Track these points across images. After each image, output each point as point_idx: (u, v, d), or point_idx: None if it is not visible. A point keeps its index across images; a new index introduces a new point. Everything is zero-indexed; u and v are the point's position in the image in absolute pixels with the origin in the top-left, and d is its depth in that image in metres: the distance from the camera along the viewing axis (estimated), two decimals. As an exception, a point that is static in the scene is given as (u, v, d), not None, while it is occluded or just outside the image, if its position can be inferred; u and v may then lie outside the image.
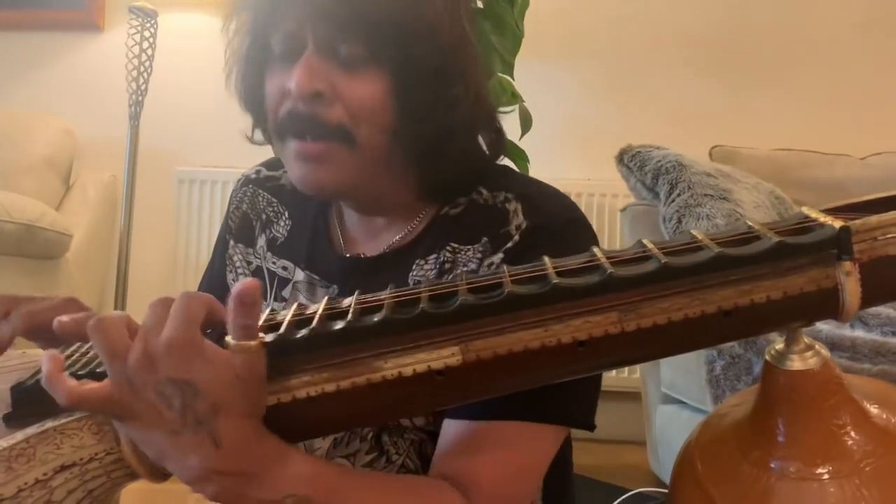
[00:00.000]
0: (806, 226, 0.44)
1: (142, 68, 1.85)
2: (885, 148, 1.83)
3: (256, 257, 0.76)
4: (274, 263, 0.75)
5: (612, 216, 1.98)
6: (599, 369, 0.47)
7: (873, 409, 0.46)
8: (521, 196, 0.66)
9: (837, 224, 0.42)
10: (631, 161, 1.47)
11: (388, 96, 0.60)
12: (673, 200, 1.31)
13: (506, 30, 1.45)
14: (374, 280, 0.62)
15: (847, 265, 0.41)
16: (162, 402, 0.42)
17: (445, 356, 0.44)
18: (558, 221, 0.63)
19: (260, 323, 0.47)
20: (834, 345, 0.97)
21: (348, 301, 0.48)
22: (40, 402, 0.46)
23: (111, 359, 0.43)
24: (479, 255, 0.64)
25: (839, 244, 0.41)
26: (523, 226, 0.63)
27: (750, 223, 0.45)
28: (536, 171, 1.76)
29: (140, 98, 1.87)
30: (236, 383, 0.43)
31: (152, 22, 1.85)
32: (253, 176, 0.80)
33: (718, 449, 0.50)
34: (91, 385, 0.44)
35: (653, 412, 1.49)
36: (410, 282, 0.65)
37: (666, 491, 1.49)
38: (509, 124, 1.59)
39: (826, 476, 0.44)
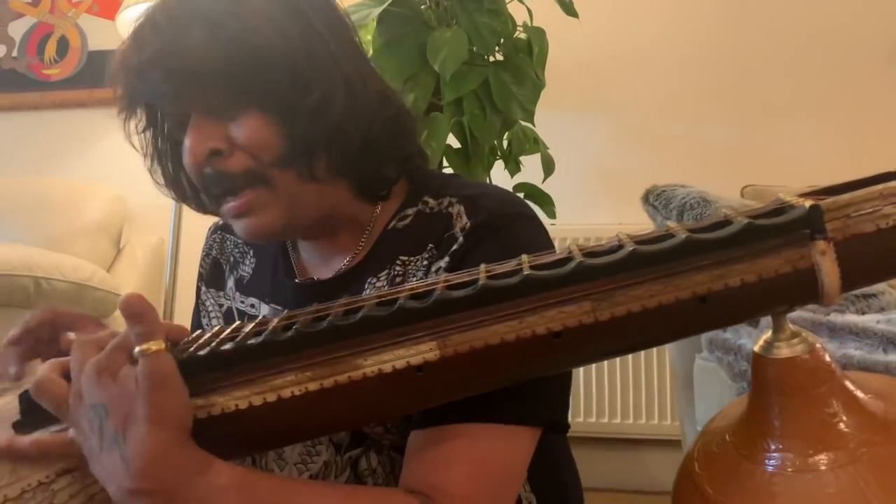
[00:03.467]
0: (779, 208, 0.44)
1: (187, 136, 1.96)
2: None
3: (227, 299, 0.78)
4: (242, 303, 0.76)
5: (647, 260, 1.96)
6: (581, 362, 0.47)
7: (868, 398, 0.44)
8: (463, 198, 0.65)
9: (808, 203, 0.41)
10: (656, 200, 1.46)
11: (268, 127, 0.61)
12: (699, 234, 1.29)
13: (525, 80, 1.49)
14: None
15: (821, 244, 0.41)
16: (90, 430, 0.44)
17: (423, 351, 0.44)
18: (501, 218, 0.63)
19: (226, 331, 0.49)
20: (867, 370, 0.93)
21: (334, 304, 0.49)
22: (44, 409, 0.48)
23: (57, 412, 0.46)
24: (425, 263, 0.64)
25: (810, 223, 0.41)
26: (467, 226, 0.63)
27: (727, 211, 0.46)
28: (565, 217, 1.78)
29: (185, 163, 1.97)
30: (138, 392, 0.43)
31: (197, 93, 1.97)
32: (221, 222, 0.82)
33: (715, 449, 0.49)
34: (48, 436, 0.47)
35: (695, 456, 1.43)
36: None
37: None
38: (533, 170, 1.63)
39: (823, 466, 0.43)
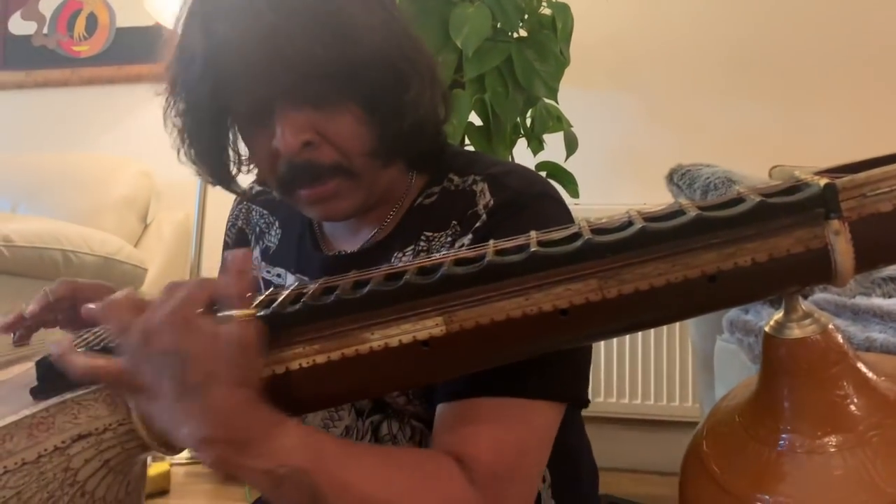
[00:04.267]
0: (794, 186, 0.43)
1: (212, 112, 1.98)
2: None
3: (252, 268, 0.79)
4: (268, 272, 0.77)
5: (671, 241, 1.93)
6: (589, 339, 0.47)
7: (881, 380, 0.43)
8: (487, 176, 0.66)
9: (823, 182, 0.40)
10: (680, 179, 1.44)
11: (362, 124, 0.62)
12: (723, 215, 1.27)
13: (548, 56, 1.47)
14: None
15: (835, 224, 0.40)
16: (160, 374, 0.45)
17: (430, 327, 0.45)
18: (524, 196, 0.63)
19: (259, 300, 0.49)
20: (890, 353, 0.91)
21: (344, 277, 0.50)
22: (64, 376, 0.49)
23: (118, 335, 0.46)
24: (449, 240, 0.65)
25: (825, 202, 0.40)
26: (490, 204, 0.63)
27: (740, 189, 0.45)
28: (588, 196, 1.76)
29: (210, 140, 1.98)
30: (226, 353, 0.44)
31: (221, 69, 1.98)
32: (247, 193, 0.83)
33: (723, 429, 0.49)
34: (101, 359, 0.47)
35: (714, 438, 1.42)
36: None
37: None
38: (556, 149, 1.61)
39: (831, 448, 0.42)
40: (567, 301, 0.43)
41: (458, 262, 0.46)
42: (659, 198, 1.71)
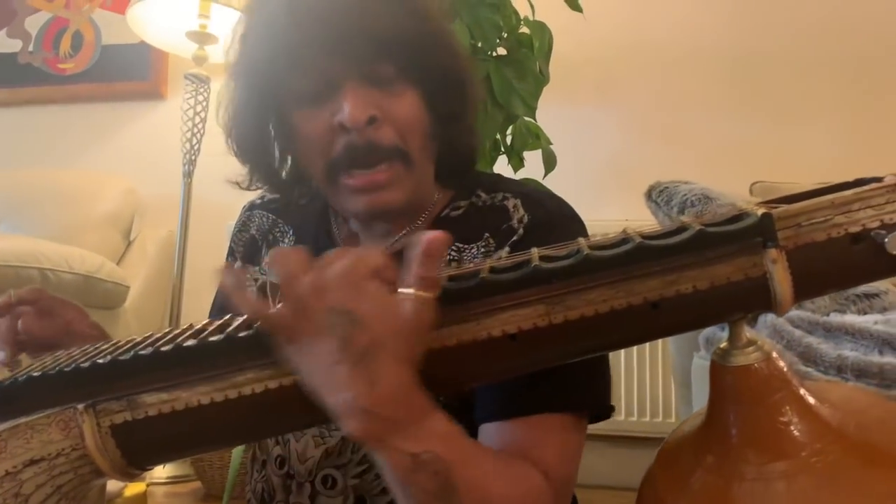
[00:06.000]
0: (736, 216, 0.43)
1: (195, 130, 1.98)
2: (940, 178, 1.74)
3: (262, 274, 0.79)
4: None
5: (653, 257, 1.94)
6: (539, 364, 0.47)
7: (823, 407, 0.44)
8: (519, 194, 0.69)
9: (760, 212, 0.41)
10: (658, 196, 1.45)
11: (422, 108, 0.66)
12: (699, 233, 1.28)
13: (527, 74, 1.49)
14: None
15: (773, 252, 0.41)
16: (326, 331, 0.42)
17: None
18: (557, 217, 0.67)
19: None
20: (861, 371, 0.92)
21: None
22: (16, 399, 0.49)
23: (286, 282, 0.43)
24: (482, 251, 0.67)
25: (762, 231, 0.41)
26: (525, 219, 0.66)
27: (684, 219, 0.46)
28: (570, 213, 1.77)
29: (193, 157, 1.99)
30: (400, 328, 0.42)
31: (206, 87, 1.99)
32: (258, 201, 0.84)
33: (675, 457, 0.49)
34: (266, 304, 0.45)
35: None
36: None
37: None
38: (536, 165, 1.63)
39: (776, 475, 0.42)
40: (515, 326, 0.44)
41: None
42: (642, 214, 1.73)
